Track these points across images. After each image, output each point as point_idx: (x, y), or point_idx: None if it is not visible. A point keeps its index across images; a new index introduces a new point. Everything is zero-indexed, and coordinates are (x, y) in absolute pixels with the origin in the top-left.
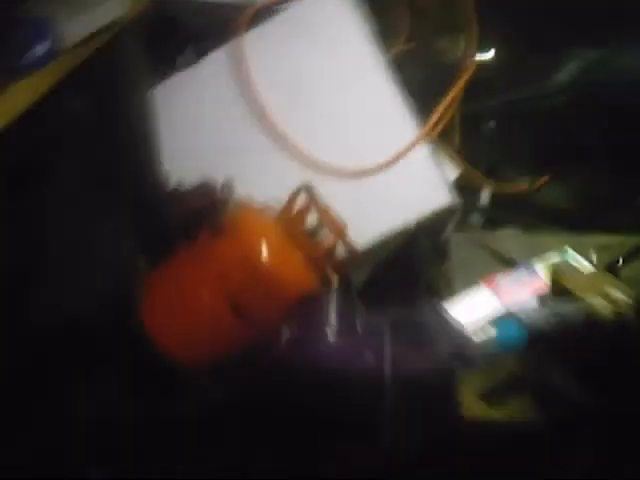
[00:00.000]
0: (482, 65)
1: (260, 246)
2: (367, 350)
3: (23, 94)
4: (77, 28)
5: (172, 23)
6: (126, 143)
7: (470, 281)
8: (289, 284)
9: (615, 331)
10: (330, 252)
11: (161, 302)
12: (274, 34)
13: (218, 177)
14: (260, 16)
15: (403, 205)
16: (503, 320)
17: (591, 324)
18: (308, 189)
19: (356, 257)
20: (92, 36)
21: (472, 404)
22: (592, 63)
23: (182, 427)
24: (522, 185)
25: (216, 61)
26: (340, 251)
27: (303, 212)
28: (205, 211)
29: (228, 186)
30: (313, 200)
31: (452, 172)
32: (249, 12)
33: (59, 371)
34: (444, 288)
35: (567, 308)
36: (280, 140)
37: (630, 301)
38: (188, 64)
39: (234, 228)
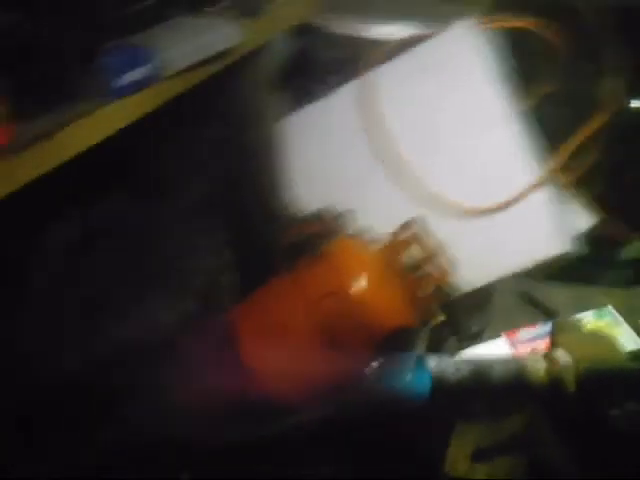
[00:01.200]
0: (633, 111)
1: (355, 277)
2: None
3: (115, 116)
4: (179, 56)
5: (305, 54)
6: (249, 169)
7: (504, 328)
8: (382, 318)
9: (526, 392)
10: (435, 289)
11: (256, 327)
12: (404, 70)
13: (339, 206)
14: (392, 52)
15: (518, 249)
16: (418, 367)
17: (500, 382)
18: (417, 223)
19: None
20: (200, 64)
21: (459, 462)
22: None
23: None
24: None
25: (345, 95)
26: (446, 290)
27: (407, 246)
28: (311, 239)
29: (344, 216)
30: (421, 235)
31: (586, 220)
32: (381, 48)
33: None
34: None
35: (490, 364)
36: (401, 175)
37: (573, 368)
38: (320, 96)
39: (333, 257)
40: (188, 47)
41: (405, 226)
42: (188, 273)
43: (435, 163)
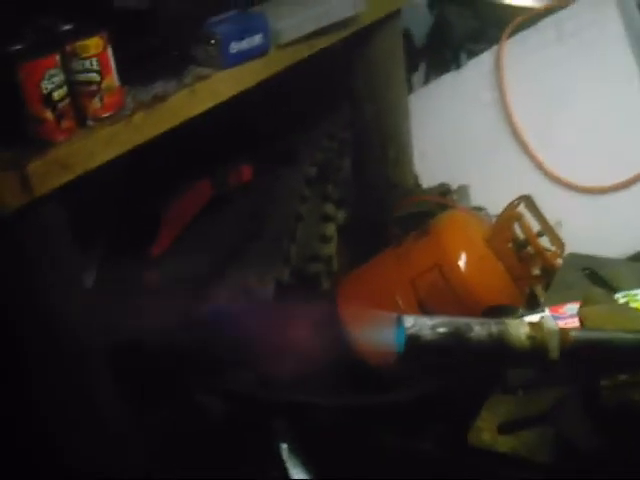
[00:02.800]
0: None
1: (459, 252)
2: None
3: (228, 83)
4: (290, 27)
5: (443, 22)
6: (377, 140)
7: (563, 301)
8: (483, 294)
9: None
10: (545, 268)
11: (357, 297)
12: (534, 41)
13: (458, 180)
14: (529, 19)
15: (636, 228)
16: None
17: (471, 345)
18: (527, 200)
19: None
20: (315, 34)
21: (485, 432)
22: None
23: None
24: None
25: (475, 67)
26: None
27: (515, 223)
28: (422, 212)
29: (459, 191)
30: (531, 212)
31: None
32: (520, 15)
33: None
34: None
35: (469, 325)
36: (523, 151)
37: (559, 335)
38: (452, 66)
39: (440, 231)
40: (300, 18)
41: (515, 204)
42: (290, 243)
43: (558, 138)
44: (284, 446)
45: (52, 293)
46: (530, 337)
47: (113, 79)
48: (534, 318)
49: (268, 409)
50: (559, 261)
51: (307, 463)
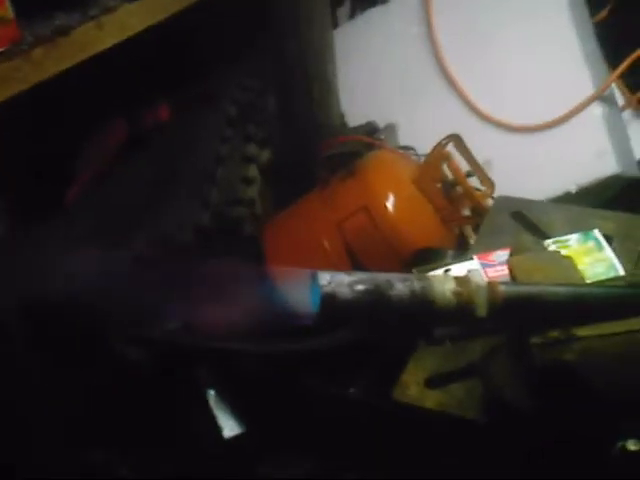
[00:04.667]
0: None
1: (386, 194)
2: None
3: (137, 16)
4: None
5: None
6: (300, 78)
7: (492, 246)
8: (412, 236)
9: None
10: (470, 209)
11: (283, 242)
12: None
13: (384, 119)
14: None
15: (566, 168)
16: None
17: (392, 302)
18: (456, 140)
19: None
20: None
21: (411, 387)
22: None
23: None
24: None
25: (402, 1)
26: (482, 210)
27: (443, 163)
28: (348, 153)
29: (386, 131)
30: (460, 152)
31: None
32: None
33: None
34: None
35: (390, 283)
36: (452, 88)
37: (487, 291)
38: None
39: (366, 172)
40: None
41: (443, 143)
42: (210, 186)
43: (487, 75)
44: (211, 393)
45: None
46: (456, 293)
47: (6, 10)
48: (461, 269)
49: (192, 357)
50: (489, 201)
51: (234, 409)
